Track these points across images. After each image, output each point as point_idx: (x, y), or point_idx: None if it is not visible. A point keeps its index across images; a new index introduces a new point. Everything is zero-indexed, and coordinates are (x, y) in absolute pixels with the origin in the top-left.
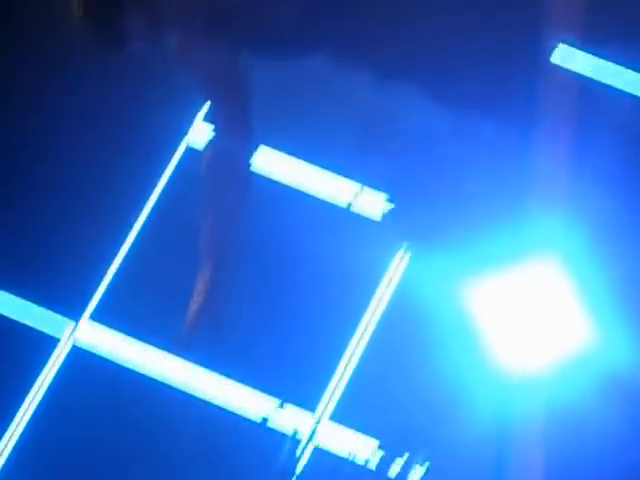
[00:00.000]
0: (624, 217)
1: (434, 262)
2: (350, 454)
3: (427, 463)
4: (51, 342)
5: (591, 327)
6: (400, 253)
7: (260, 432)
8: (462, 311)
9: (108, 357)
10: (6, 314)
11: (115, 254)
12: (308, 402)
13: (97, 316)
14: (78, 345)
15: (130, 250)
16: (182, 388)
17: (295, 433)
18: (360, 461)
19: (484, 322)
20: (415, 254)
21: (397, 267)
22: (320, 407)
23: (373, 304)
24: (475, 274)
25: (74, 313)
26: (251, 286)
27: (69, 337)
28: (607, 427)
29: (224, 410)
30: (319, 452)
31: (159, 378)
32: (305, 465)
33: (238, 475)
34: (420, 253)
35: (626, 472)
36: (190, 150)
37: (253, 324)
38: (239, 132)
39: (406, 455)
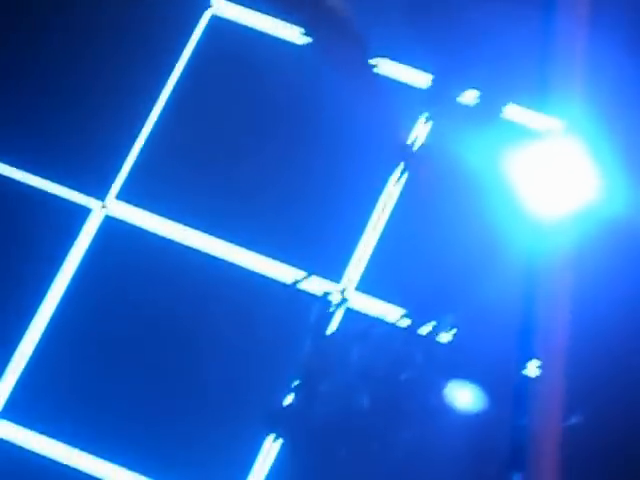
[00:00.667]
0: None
1: (461, 125)
2: (379, 318)
3: (454, 329)
4: (83, 213)
5: (600, 182)
6: (424, 116)
7: (291, 295)
8: (488, 171)
9: (138, 229)
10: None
11: (137, 134)
12: (334, 273)
13: (124, 195)
14: (110, 215)
15: (154, 128)
16: (216, 256)
17: (325, 296)
18: (389, 323)
19: (508, 181)
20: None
21: (421, 130)
22: (346, 277)
23: (397, 170)
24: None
25: (100, 193)
26: (278, 156)
27: (101, 209)
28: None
29: (255, 274)
30: (349, 314)
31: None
32: (336, 327)
33: (273, 335)
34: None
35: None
36: (215, 19)
37: (279, 196)
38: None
39: (432, 322)
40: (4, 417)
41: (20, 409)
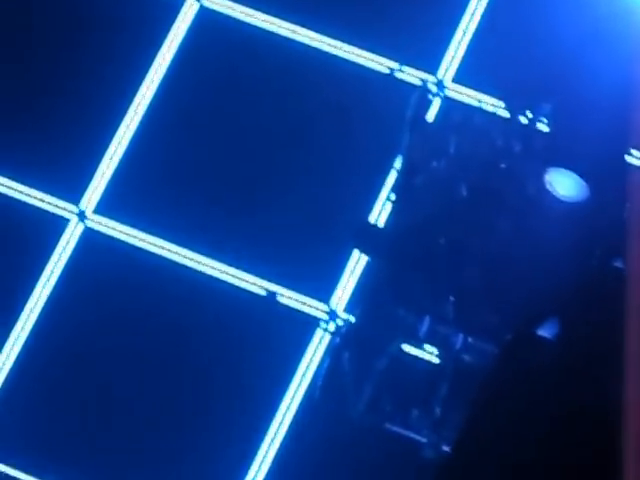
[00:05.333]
0: None
1: None
2: (477, 108)
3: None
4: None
5: None
6: None
7: (389, 85)
8: None
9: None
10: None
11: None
12: (430, 64)
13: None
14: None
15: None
16: None
17: (422, 86)
18: (487, 113)
19: None
20: None
21: None
22: (442, 68)
23: None
24: None
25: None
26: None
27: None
28: None
29: (353, 65)
30: (447, 105)
31: None
32: (434, 117)
33: (371, 128)
34: None
35: None
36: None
37: None
38: None
39: (531, 112)
40: None
41: None
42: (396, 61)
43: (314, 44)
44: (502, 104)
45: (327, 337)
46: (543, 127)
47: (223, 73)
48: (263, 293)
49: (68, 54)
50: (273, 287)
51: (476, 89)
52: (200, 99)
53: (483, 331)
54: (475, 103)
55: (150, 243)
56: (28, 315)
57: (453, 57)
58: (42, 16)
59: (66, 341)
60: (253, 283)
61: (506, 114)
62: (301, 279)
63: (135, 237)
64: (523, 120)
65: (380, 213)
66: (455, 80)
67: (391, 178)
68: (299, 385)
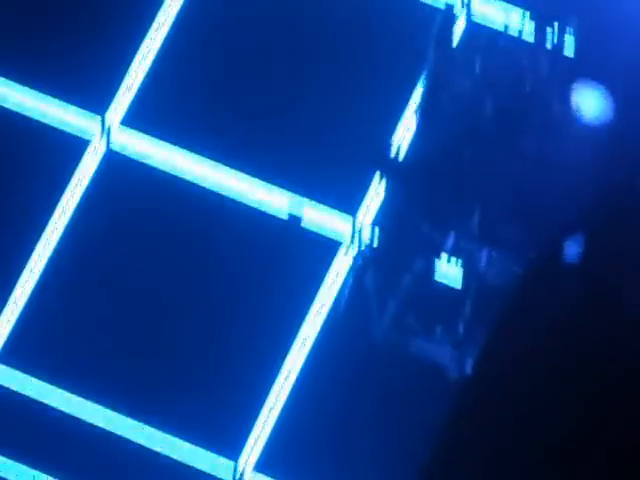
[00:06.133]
0: None
1: None
2: (504, 25)
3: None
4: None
5: None
6: None
7: (413, 5)
8: None
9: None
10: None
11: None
12: None
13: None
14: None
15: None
16: None
17: (448, 6)
18: (513, 32)
19: None
20: None
21: None
22: None
23: None
24: None
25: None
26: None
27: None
28: None
29: None
30: (472, 26)
31: None
32: (459, 37)
33: (396, 46)
34: None
35: None
36: None
37: None
38: None
39: (556, 24)
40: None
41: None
42: None
43: None
44: (528, 23)
45: (351, 253)
46: (570, 43)
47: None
48: (285, 212)
49: None
50: (297, 199)
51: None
52: (227, 8)
53: (508, 248)
54: (501, 21)
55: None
56: (45, 244)
57: None
58: None
59: (85, 270)
60: (277, 196)
61: (532, 35)
62: (326, 194)
63: (158, 151)
64: (549, 41)
65: (406, 129)
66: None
67: (416, 94)
68: (323, 304)
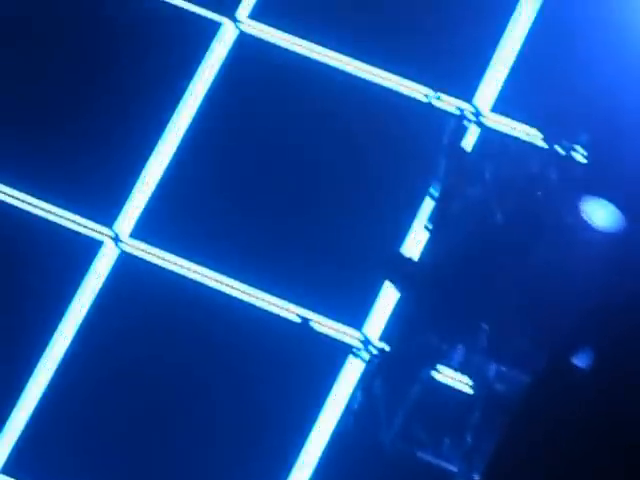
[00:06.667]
0: None
1: None
2: (515, 135)
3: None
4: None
5: None
6: None
7: (426, 112)
8: None
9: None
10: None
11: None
12: (467, 93)
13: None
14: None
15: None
16: None
17: (459, 114)
18: (524, 142)
19: None
20: None
21: None
22: (479, 97)
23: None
24: None
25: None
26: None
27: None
28: None
29: (389, 91)
30: (484, 133)
31: None
32: (471, 145)
33: (408, 152)
34: None
35: None
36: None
37: None
38: None
39: (568, 142)
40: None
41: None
42: (433, 89)
43: (352, 71)
44: (539, 133)
45: (360, 364)
46: (580, 156)
47: (260, 99)
48: (297, 320)
49: (107, 75)
50: (307, 314)
51: (513, 118)
52: (237, 124)
53: (516, 360)
54: (512, 132)
55: (185, 268)
56: (61, 338)
57: (491, 85)
58: (79, 37)
59: (99, 366)
60: (287, 309)
61: (543, 143)
62: (335, 306)
63: (170, 261)
64: (560, 149)
65: (414, 240)
66: (492, 109)
67: (427, 205)
68: (332, 412)
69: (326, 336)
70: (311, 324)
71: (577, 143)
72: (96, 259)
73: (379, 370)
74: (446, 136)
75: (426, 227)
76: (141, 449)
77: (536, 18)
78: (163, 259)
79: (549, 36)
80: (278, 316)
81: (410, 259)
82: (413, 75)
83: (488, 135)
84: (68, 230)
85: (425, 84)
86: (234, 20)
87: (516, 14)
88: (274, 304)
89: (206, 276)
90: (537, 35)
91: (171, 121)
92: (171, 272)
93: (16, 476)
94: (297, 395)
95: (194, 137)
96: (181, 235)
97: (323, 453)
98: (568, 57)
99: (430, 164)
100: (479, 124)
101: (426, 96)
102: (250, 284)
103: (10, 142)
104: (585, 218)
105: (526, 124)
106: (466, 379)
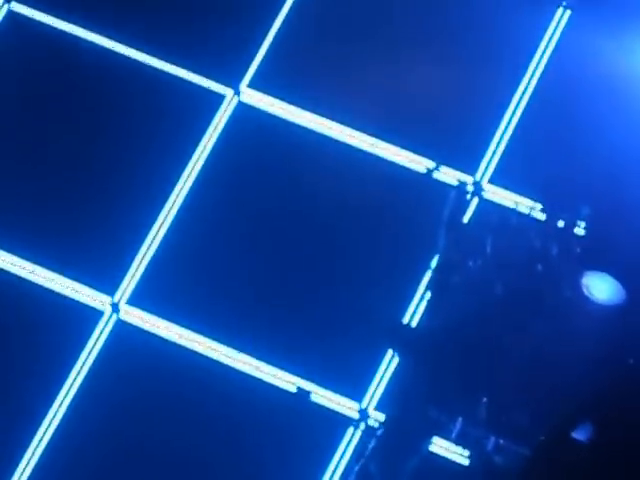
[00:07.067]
0: None
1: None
2: (514, 209)
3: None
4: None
5: None
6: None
7: (427, 184)
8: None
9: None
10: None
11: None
12: (468, 165)
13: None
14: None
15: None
16: None
17: (459, 187)
18: (524, 215)
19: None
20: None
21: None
22: (480, 170)
23: (532, 65)
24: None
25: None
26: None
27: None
28: None
29: (389, 163)
30: (483, 206)
31: None
32: (471, 218)
33: (406, 226)
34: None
35: None
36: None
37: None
38: None
39: (568, 215)
40: None
41: None
42: (434, 161)
43: (351, 142)
44: (539, 206)
45: (358, 435)
46: (580, 230)
47: (259, 169)
48: (295, 390)
49: (110, 144)
50: (306, 385)
51: (513, 191)
52: (236, 194)
53: (515, 433)
54: (512, 205)
55: (183, 337)
56: (60, 403)
57: (491, 158)
58: (81, 106)
59: (96, 435)
60: (286, 380)
61: (543, 216)
62: (334, 378)
63: (168, 330)
64: (560, 223)
65: (415, 312)
66: (492, 181)
67: (427, 277)
68: None
69: (324, 408)
70: (310, 396)
71: (577, 216)
72: (96, 327)
73: (377, 442)
74: (447, 208)
75: (426, 299)
76: None
77: (535, 92)
78: (160, 327)
79: (549, 108)
80: (276, 387)
81: (410, 331)
82: (413, 147)
83: (488, 208)
84: (67, 298)
85: (426, 156)
86: (236, 91)
87: (517, 90)
88: (272, 374)
89: (204, 344)
90: (537, 107)
91: (172, 191)
92: (168, 341)
93: None
94: (295, 467)
95: (193, 207)
96: (179, 303)
97: None
98: (568, 129)
99: (431, 236)
100: (479, 197)
101: (427, 168)
102: (248, 353)
103: (11, 209)
104: (585, 292)
105: (526, 197)
106: (464, 451)
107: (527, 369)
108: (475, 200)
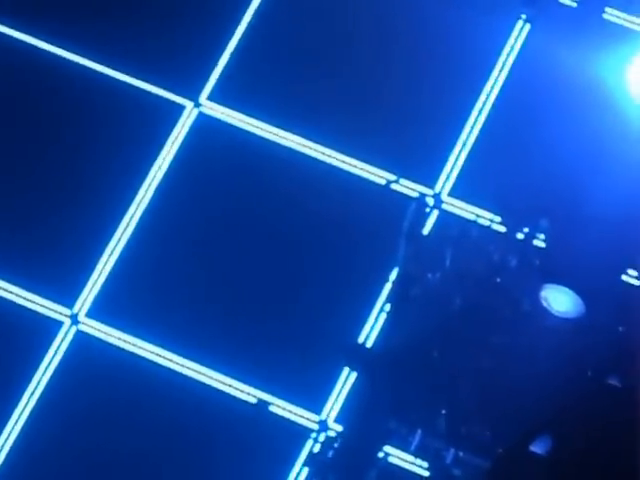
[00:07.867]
0: None
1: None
2: (473, 222)
3: (549, 233)
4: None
5: None
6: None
7: (386, 197)
8: (587, 73)
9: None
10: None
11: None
12: (428, 178)
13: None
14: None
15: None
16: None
17: (419, 199)
18: (483, 227)
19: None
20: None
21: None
22: (439, 182)
23: (491, 78)
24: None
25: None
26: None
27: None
28: None
29: (351, 175)
30: (443, 218)
31: None
32: (430, 230)
33: (368, 238)
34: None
35: None
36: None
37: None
38: None
39: (527, 227)
40: None
41: None
42: (393, 173)
43: (311, 154)
44: (499, 219)
45: (318, 447)
46: (540, 243)
47: (220, 181)
48: (255, 401)
49: (66, 157)
50: (265, 396)
51: (473, 203)
52: (196, 206)
53: (475, 446)
54: (472, 217)
55: (141, 348)
56: (20, 414)
57: (450, 171)
58: (40, 117)
59: (55, 442)
60: (245, 392)
61: (502, 229)
62: (293, 389)
63: (126, 342)
64: (520, 235)
65: (374, 324)
66: (452, 194)
67: (386, 289)
68: None
69: (284, 419)
70: (269, 407)
71: (537, 228)
72: (55, 339)
73: (336, 454)
74: (406, 221)
75: (386, 311)
76: None
77: (495, 104)
78: (119, 339)
79: (509, 121)
80: (235, 398)
81: (366, 350)
82: (373, 159)
83: (448, 220)
84: (27, 310)
85: (385, 168)
86: (196, 103)
87: (477, 103)
88: (231, 386)
89: (163, 356)
90: (497, 120)
91: (132, 203)
92: (127, 352)
93: None
94: (254, 478)
95: (153, 219)
96: (138, 315)
97: None
98: (528, 141)
99: (390, 249)
100: (439, 209)
101: (387, 180)
102: (208, 365)
103: None
104: (544, 304)
105: (486, 209)
106: (424, 463)
107: (486, 381)
108: (435, 212)
